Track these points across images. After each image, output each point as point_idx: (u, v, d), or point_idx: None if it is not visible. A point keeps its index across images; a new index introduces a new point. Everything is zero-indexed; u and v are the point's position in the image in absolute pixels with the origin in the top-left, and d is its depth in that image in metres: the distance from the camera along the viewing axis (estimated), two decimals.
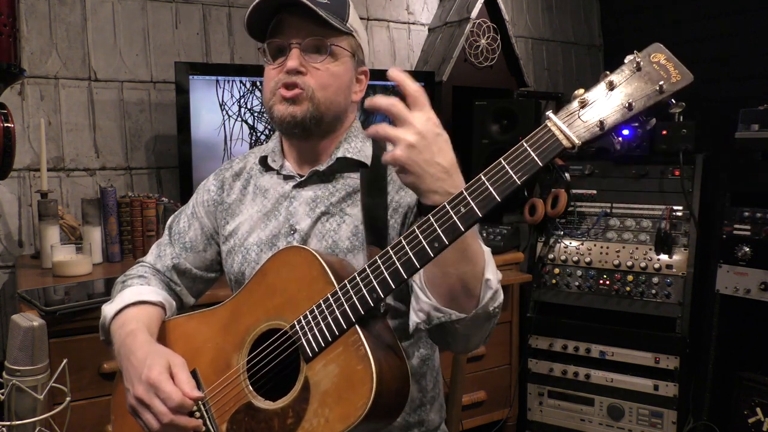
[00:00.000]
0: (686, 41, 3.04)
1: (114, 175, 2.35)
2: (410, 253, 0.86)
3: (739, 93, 2.72)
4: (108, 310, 1.15)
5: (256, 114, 2.29)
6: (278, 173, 1.21)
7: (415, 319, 0.98)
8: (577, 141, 0.80)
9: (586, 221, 2.40)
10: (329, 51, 1.11)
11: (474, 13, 2.63)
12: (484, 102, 2.54)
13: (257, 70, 2.31)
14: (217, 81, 2.21)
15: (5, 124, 1.54)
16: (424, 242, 0.85)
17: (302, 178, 1.18)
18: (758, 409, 2.07)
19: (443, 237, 0.83)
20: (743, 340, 2.22)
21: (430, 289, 0.96)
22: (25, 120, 2.19)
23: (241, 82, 2.25)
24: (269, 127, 2.32)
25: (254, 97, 2.27)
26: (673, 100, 0.79)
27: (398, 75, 0.85)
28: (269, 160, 1.22)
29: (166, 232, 1.30)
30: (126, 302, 1.13)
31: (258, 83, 2.27)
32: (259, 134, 2.30)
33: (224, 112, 2.24)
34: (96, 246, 2.07)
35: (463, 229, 0.82)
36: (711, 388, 2.21)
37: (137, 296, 1.15)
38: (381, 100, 0.86)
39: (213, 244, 1.27)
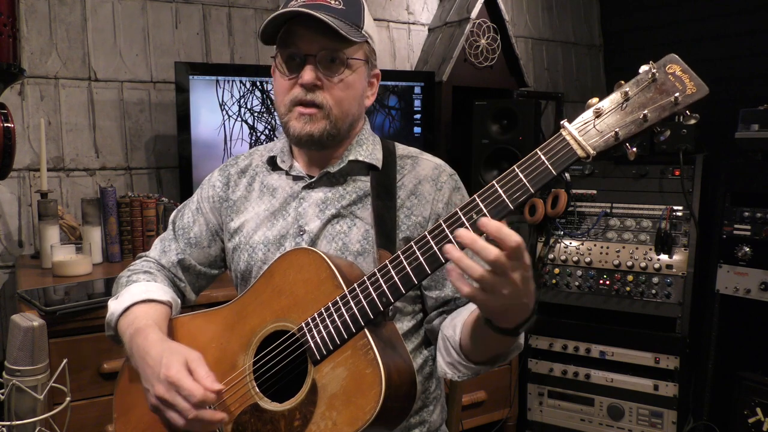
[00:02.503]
0: (686, 41, 3.04)
1: (114, 175, 2.35)
2: (421, 258, 0.87)
3: (739, 93, 2.72)
4: (115, 306, 1.13)
5: (256, 114, 2.29)
6: (287, 173, 1.19)
7: (447, 371, 1.05)
8: (592, 151, 0.80)
9: (586, 221, 2.40)
10: (345, 63, 1.09)
11: (474, 13, 2.63)
12: (484, 102, 2.54)
13: (257, 70, 2.31)
14: (217, 81, 2.21)
15: (5, 124, 1.54)
16: (435, 248, 0.85)
17: (312, 179, 1.16)
18: (758, 409, 2.06)
19: (455, 243, 0.83)
20: (743, 340, 2.22)
21: (467, 352, 1.01)
22: (25, 120, 2.19)
23: (241, 82, 2.25)
24: (269, 127, 2.32)
25: (254, 97, 2.27)
26: (687, 111, 0.79)
27: (493, 227, 0.78)
28: (278, 161, 1.20)
29: (170, 227, 1.28)
30: (135, 299, 1.11)
31: (258, 83, 2.27)
32: (259, 134, 2.30)
33: (224, 112, 2.24)
34: (96, 246, 2.07)
35: None
36: (711, 388, 2.21)
37: (145, 294, 1.13)
38: (506, 235, 0.78)
39: (218, 240, 1.26)
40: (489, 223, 0.79)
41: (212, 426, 0.95)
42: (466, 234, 0.80)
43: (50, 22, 2.21)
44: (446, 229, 0.84)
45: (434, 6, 2.98)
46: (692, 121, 0.79)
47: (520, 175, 0.81)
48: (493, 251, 0.79)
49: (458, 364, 1.03)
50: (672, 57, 0.80)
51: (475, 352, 1.00)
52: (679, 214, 2.25)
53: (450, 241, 0.84)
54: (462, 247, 0.81)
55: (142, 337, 1.04)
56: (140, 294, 1.13)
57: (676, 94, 0.78)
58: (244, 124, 2.27)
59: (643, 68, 0.80)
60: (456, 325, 1.04)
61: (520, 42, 3.22)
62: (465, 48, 2.64)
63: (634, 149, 0.82)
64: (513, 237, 0.78)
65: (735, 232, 2.14)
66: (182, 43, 2.43)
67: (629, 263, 2.27)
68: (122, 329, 1.10)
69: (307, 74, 1.06)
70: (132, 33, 2.35)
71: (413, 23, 2.95)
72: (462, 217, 0.84)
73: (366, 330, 0.91)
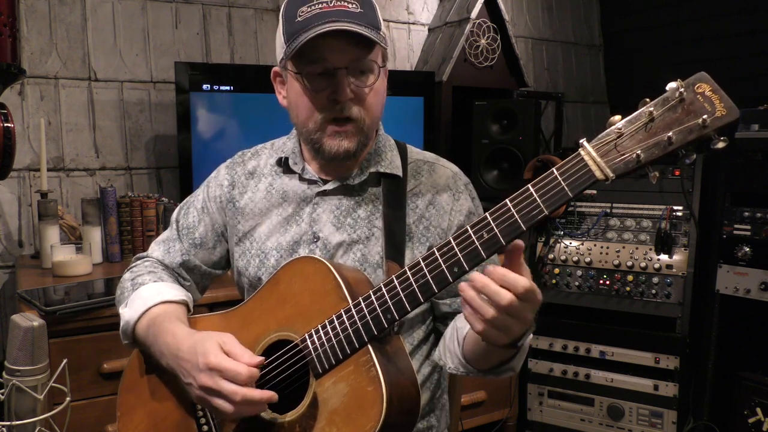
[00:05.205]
0: (686, 41, 3.04)
1: (114, 175, 2.35)
2: (428, 276, 0.85)
3: (739, 93, 2.71)
4: (129, 314, 1.10)
5: None
6: (300, 177, 1.15)
7: (450, 365, 1.05)
8: (611, 174, 0.76)
9: (586, 221, 2.40)
10: (372, 70, 1.04)
11: (474, 13, 2.63)
12: (484, 102, 2.54)
13: (257, 70, 2.31)
14: None
15: (5, 124, 1.54)
16: (443, 266, 0.84)
17: (326, 184, 1.13)
18: (758, 409, 2.06)
19: (464, 263, 0.82)
20: (743, 340, 2.21)
21: (471, 359, 1.00)
22: (25, 120, 2.19)
23: None
24: None
25: None
26: (716, 135, 0.73)
27: (498, 275, 0.80)
28: (290, 163, 1.15)
29: (173, 226, 1.24)
30: (149, 304, 1.09)
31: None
32: None
33: None
34: (96, 246, 2.07)
35: (485, 256, 0.81)
36: (711, 388, 2.21)
37: (158, 296, 1.10)
38: (511, 282, 0.80)
39: (223, 241, 1.22)
40: (494, 271, 0.80)
41: (261, 406, 0.93)
42: (479, 278, 0.80)
43: (50, 22, 2.21)
44: (456, 247, 0.82)
45: (434, 6, 2.98)
46: (721, 145, 0.72)
47: (535, 195, 0.78)
48: (506, 296, 0.79)
49: (462, 366, 1.04)
50: (702, 75, 0.74)
51: (479, 363, 1.00)
52: (679, 214, 2.25)
53: (459, 260, 0.83)
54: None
55: (169, 335, 1.02)
56: (153, 297, 1.10)
57: (705, 116, 0.72)
58: None
59: (671, 86, 0.74)
60: (456, 343, 1.04)
61: (520, 42, 3.22)
62: (465, 48, 2.64)
63: (656, 173, 0.77)
64: (520, 283, 0.79)
65: (735, 232, 2.13)
66: (182, 43, 2.43)
67: (629, 263, 2.27)
68: (141, 334, 1.08)
69: (345, 90, 1.01)
70: (132, 33, 2.35)
71: (413, 23, 2.95)
72: (472, 235, 0.82)
73: (369, 346, 0.89)
